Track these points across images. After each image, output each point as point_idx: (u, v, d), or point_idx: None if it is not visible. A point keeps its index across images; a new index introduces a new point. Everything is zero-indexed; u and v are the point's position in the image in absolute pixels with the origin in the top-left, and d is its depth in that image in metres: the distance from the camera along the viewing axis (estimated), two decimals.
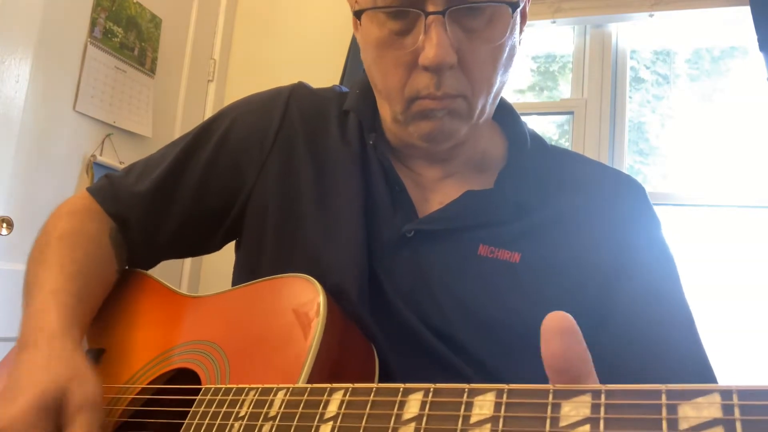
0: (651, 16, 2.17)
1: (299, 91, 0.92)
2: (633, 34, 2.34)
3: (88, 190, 0.92)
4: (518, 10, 0.75)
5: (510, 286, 0.75)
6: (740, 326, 1.94)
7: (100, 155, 2.09)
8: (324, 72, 2.35)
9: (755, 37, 1.88)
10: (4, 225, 1.76)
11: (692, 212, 2.18)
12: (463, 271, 0.76)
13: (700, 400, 0.35)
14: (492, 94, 0.77)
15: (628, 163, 2.24)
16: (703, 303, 2.03)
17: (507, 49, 0.75)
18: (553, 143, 0.91)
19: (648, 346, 0.73)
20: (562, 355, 0.41)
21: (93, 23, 2.05)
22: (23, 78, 1.81)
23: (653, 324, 0.75)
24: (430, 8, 0.69)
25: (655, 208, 0.85)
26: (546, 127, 2.44)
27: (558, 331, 0.42)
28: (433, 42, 0.69)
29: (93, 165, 2.04)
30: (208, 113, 2.57)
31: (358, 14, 0.74)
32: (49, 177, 1.93)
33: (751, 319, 1.95)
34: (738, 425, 0.33)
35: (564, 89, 2.45)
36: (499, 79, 0.76)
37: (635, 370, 0.72)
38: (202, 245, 0.94)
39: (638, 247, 0.79)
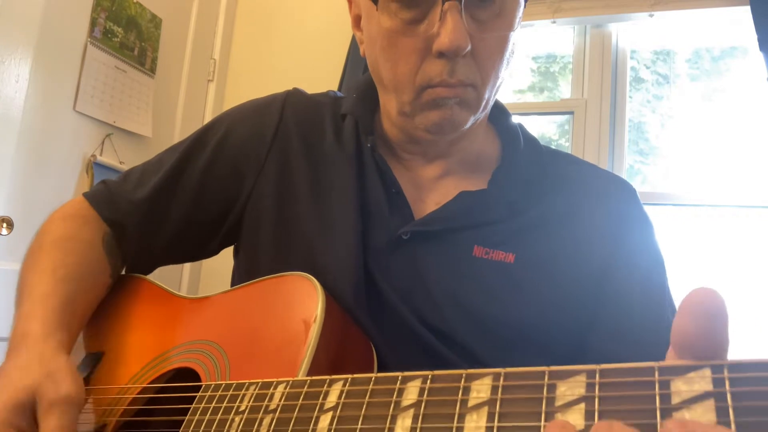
0: (651, 16, 2.18)
1: (294, 96, 0.93)
2: (633, 34, 2.34)
3: (84, 195, 0.92)
4: (526, 2, 0.78)
5: (506, 286, 0.76)
6: (740, 325, 1.94)
7: (100, 155, 2.09)
8: (324, 72, 2.36)
9: (755, 37, 1.88)
10: (4, 225, 1.76)
11: (692, 212, 2.18)
12: (459, 273, 0.76)
13: (691, 374, 0.35)
14: (496, 87, 0.78)
15: (628, 163, 2.24)
16: None
17: (511, 43, 0.76)
18: (553, 143, 0.92)
19: (638, 343, 0.74)
20: (692, 333, 0.36)
21: (93, 23, 2.05)
22: (23, 78, 1.81)
23: (642, 321, 0.76)
24: None
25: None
26: (546, 127, 2.44)
27: (698, 311, 0.37)
28: (449, 28, 0.70)
29: (93, 165, 2.05)
30: (208, 113, 2.57)
31: (375, 1, 0.75)
32: (49, 177, 1.93)
33: (750, 319, 1.95)
34: (728, 397, 0.34)
35: (564, 89, 2.45)
36: (502, 71, 0.78)
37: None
38: (199, 251, 0.94)
39: (629, 246, 0.80)
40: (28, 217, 1.80)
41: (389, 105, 0.81)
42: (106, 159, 2.10)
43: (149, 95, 2.30)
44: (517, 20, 0.76)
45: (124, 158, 2.17)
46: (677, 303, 0.38)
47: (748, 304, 1.97)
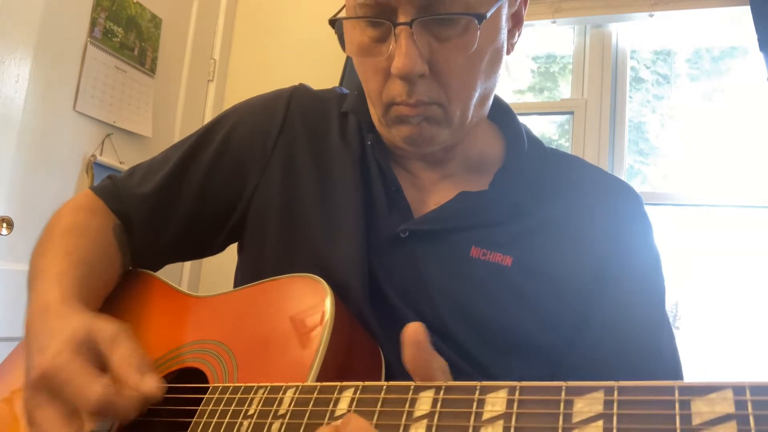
0: (651, 16, 2.18)
1: (300, 92, 0.92)
2: (633, 34, 2.34)
3: (92, 189, 0.92)
4: (504, 15, 0.76)
5: (502, 289, 0.75)
6: (741, 325, 1.95)
7: (100, 155, 2.08)
8: (324, 72, 2.35)
9: (755, 37, 1.88)
10: (4, 225, 1.76)
11: (692, 212, 2.18)
12: (455, 272, 0.76)
13: (712, 395, 0.35)
14: (473, 100, 0.76)
15: (628, 163, 2.24)
16: (703, 302, 2.04)
17: (487, 55, 0.75)
18: (553, 143, 0.92)
19: (627, 349, 0.74)
20: (412, 361, 0.50)
21: (93, 23, 2.05)
22: (23, 78, 1.81)
23: (634, 327, 0.76)
24: (400, 19, 0.70)
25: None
26: (546, 127, 2.44)
27: (410, 342, 0.50)
28: (402, 51, 0.69)
29: (93, 165, 2.04)
30: (208, 113, 2.56)
31: (332, 23, 0.77)
32: (49, 177, 1.93)
33: (751, 319, 1.95)
34: (751, 420, 0.33)
35: (564, 89, 2.45)
36: (480, 85, 0.76)
37: (615, 370, 0.72)
38: (205, 247, 0.94)
39: (627, 252, 0.80)
40: (28, 217, 1.79)
41: (371, 113, 0.82)
42: (106, 159, 2.09)
43: (149, 95, 2.29)
44: (486, 35, 0.73)
45: (124, 158, 2.17)
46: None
47: (748, 304, 1.97)
